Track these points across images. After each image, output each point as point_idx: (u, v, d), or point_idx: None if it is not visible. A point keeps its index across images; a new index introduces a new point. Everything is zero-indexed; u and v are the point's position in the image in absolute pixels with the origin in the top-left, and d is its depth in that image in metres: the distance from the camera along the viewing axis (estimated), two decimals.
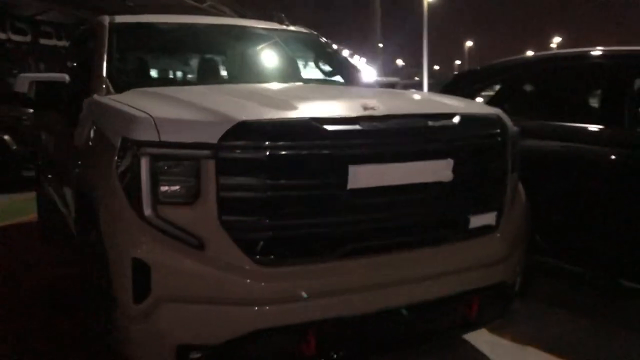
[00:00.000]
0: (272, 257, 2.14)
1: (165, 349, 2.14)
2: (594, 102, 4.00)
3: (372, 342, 2.34)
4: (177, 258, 2.10)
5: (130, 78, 3.38)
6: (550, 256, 3.72)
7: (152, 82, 3.57)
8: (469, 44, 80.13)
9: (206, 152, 2.07)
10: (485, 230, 2.54)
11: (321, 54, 4.17)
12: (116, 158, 2.23)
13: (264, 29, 4.02)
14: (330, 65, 4.07)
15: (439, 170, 2.35)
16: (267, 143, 2.09)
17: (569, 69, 4.01)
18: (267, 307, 2.12)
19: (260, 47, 3.93)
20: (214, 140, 2.07)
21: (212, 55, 4.07)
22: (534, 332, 3.42)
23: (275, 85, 3.30)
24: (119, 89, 3.02)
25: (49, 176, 4.70)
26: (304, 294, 2.14)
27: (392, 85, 3.79)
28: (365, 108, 2.31)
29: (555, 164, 3.68)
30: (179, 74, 4.07)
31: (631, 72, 3.58)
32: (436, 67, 79.46)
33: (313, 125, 2.17)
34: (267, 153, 2.08)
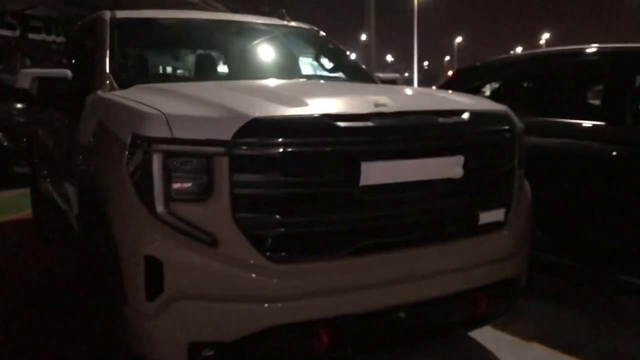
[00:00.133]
0: (284, 254, 2.13)
1: (177, 347, 2.13)
2: (596, 99, 4.02)
3: (383, 338, 2.34)
4: (189, 255, 2.08)
5: (133, 74, 3.36)
6: (551, 252, 3.75)
7: (155, 78, 3.55)
8: (459, 39, 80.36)
9: (219, 149, 2.06)
10: (494, 226, 2.55)
11: (322, 50, 4.16)
12: (126, 155, 2.21)
13: (265, 24, 4.00)
14: (332, 61, 4.06)
15: (449, 167, 2.35)
16: (280, 140, 2.08)
17: (570, 65, 4.03)
18: (280, 304, 2.12)
19: (262, 43, 3.92)
20: (227, 137, 2.06)
21: (214, 52, 4.05)
22: (536, 327, 3.45)
23: (281, 82, 3.29)
24: (123, 85, 2.99)
25: (45, 172, 4.66)
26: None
27: (393, 81, 3.77)
28: (376, 105, 2.31)
29: (556, 160, 3.70)
30: (180, 70, 4.02)
31: (632, 70, 3.61)
32: (425, 63, 79.68)
33: (326, 122, 2.16)
34: (281, 150, 2.08)
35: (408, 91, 3.14)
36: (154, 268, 2.08)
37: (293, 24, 4.19)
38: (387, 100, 2.36)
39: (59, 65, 4.80)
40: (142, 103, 2.37)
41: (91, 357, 2.95)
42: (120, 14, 3.59)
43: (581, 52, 3.92)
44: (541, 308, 3.72)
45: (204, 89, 2.73)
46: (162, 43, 3.97)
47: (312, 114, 2.19)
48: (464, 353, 3.19)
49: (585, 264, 3.67)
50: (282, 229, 2.13)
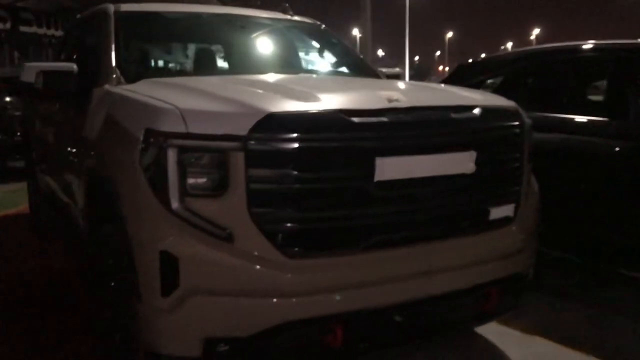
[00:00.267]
0: (299, 249, 2.13)
1: (192, 342, 2.12)
2: (600, 95, 4.05)
3: (396, 333, 2.36)
4: (205, 250, 2.08)
5: (139, 68, 3.33)
6: (554, 247, 3.77)
7: (161, 72, 3.53)
8: (449, 35, 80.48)
9: (235, 144, 2.05)
10: (504, 221, 2.56)
11: (326, 45, 4.15)
12: (139, 150, 2.20)
13: (270, 19, 3.99)
14: (336, 56, 4.06)
15: (462, 162, 2.36)
16: (296, 135, 2.08)
17: (572, 61, 4.05)
18: (295, 300, 2.12)
19: (267, 37, 3.90)
20: (243, 132, 2.05)
21: (219, 46, 4.03)
22: (540, 322, 3.47)
23: (292, 77, 3.28)
24: (130, 80, 2.97)
25: (45, 166, 4.62)
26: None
27: (397, 77, 3.77)
28: (390, 100, 2.31)
29: (558, 156, 3.73)
30: (185, 64, 3.99)
31: (637, 65, 3.63)
32: (416, 58, 79.79)
33: (342, 118, 2.16)
34: (296, 145, 2.07)
35: (418, 86, 3.14)
36: (169, 263, 2.07)
37: (297, 18, 4.18)
38: (399, 95, 2.36)
39: (53, 58, 4.75)
40: (154, 97, 2.36)
41: (99, 355, 2.95)
42: (125, 7, 3.56)
43: (584, 48, 3.94)
44: (543, 302, 3.75)
45: (215, 83, 2.72)
46: (167, 37, 3.94)
47: (328, 110, 2.19)
48: (470, 347, 3.20)
49: (587, 259, 3.70)
50: (297, 224, 2.13)
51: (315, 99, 2.26)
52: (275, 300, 2.10)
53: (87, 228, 3.02)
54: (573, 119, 3.78)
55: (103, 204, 2.64)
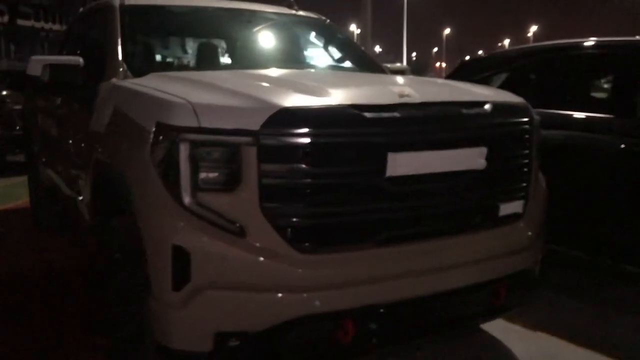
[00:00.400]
0: (311, 244, 2.13)
1: (203, 337, 2.11)
2: (606, 92, 4.05)
3: (407, 328, 2.36)
4: (217, 245, 2.07)
5: (145, 62, 3.32)
6: (559, 244, 3.78)
7: (167, 67, 3.51)
8: (447, 31, 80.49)
9: (247, 138, 2.05)
10: (513, 218, 2.57)
11: (332, 40, 4.14)
12: (151, 144, 2.19)
13: (276, 13, 3.98)
14: (342, 52, 4.05)
15: (473, 158, 2.36)
16: (308, 130, 2.07)
17: (578, 58, 4.05)
18: (306, 295, 2.11)
19: (273, 32, 3.89)
20: (255, 126, 2.05)
21: (225, 40, 4.01)
22: (544, 318, 3.49)
23: (301, 71, 3.28)
24: (137, 74, 2.97)
25: (47, 160, 4.60)
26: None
27: (402, 72, 3.76)
28: (401, 95, 2.31)
29: (563, 153, 3.73)
30: (190, 58, 3.97)
31: None
32: (414, 54, 79.78)
33: (354, 113, 2.16)
34: (309, 140, 2.07)
35: (428, 82, 3.14)
36: (181, 258, 2.07)
37: (302, 13, 4.17)
38: (410, 90, 2.36)
39: (51, 52, 4.72)
40: (164, 92, 2.35)
41: (100, 353, 2.95)
42: (129, 0, 3.54)
43: (590, 45, 3.94)
44: (547, 298, 3.76)
45: (224, 78, 2.71)
46: (172, 31, 3.93)
47: (340, 105, 2.19)
48: (475, 343, 3.22)
49: (591, 256, 3.71)
50: (309, 219, 2.12)
51: (326, 94, 2.26)
52: (286, 295, 2.10)
53: (93, 222, 3.01)
54: (578, 115, 3.79)
55: (111, 197, 2.63)
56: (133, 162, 2.34)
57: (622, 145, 3.51)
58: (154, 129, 2.19)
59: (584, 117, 3.77)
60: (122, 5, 3.44)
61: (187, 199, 2.08)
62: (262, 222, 2.08)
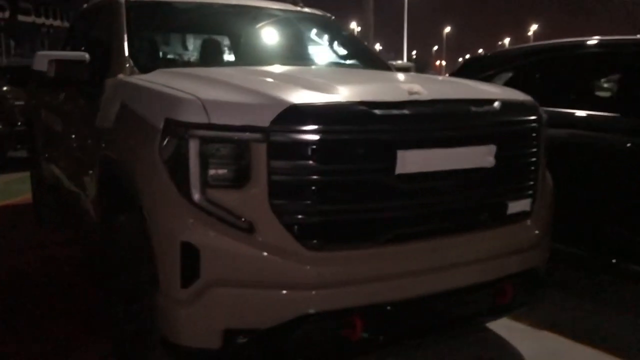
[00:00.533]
0: (320, 241, 2.12)
1: (211, 334, 2.11)
2: (605, 91, 4.05)
3: (415, 326, 2.36)
4: (226, 241, 2.07)
5: (152, 58, 3.31)
6: (565, 243, 3.77)
7: (174, 63, 3.50)
8: (447, 30, 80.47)
9: (257, 135, 2.04)
10: (521, 216, 2.56)
11: (337, 37, 4.14)
12: (159, 140, 2.18)
13: (282, 10, 3.97)
14: (347, 49, 4.04)
15: (482, 156, 2.36)
16: (318, 127, 2.06)
17: (583, 57, 4.04)
18: (315, 292, 2.11)
19: (279, 28, 3.88)
20: (265, 123, 2.04)
21: (230, 36, 4.00)
22: (550, 317, 3.49)
23: (309, 68, 3.27)
24: (143, 70, 2.96)
25: (50, 156, 4.59)
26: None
27: (407, 70, 3.76)
28: (410, 92, 2.30)
29: (568, 152, 3.72)
30: (195, 54, 3.96)
31: None
32: (414, 52, 79.77)
33: (363, 110, 2.15)
34: (318, 137, 2.06)
35: (436, 79, 3.14)
36: (190, 254, 2.06)
37: (307, 10, 4.16)
38: (419, 88, 2.35)
39: (52, 48, 4.70)
40: (173, 88, 2.34)
41: (102, 350, 2.94)
42: None
43: (597, 44, 3.93)
44: (553, 297, 3.76)
45: (232, 74, 2.70)
46: (178, 27, 3.92)
47: (350, 101, 2.18)
48: (480, 342, 3.22)
49: (598, 255, 3.70)
50: (318, 217, 2.12)
51: (336, 90, 2.25)
52: (294, 292, 2.10)
53: (99, 218, 3.00)
54: (583, 114, 3.78)
55: (117, 194, 2.62)
56: (141, 159, 2.33)
57: (628, 144, 3.50)
58: (162, 125, 2.19)
59: (589, 115, 3.76)
60: (127, 1, 3.43)
61: (196, 196, 2.07)
62: (271, 219, 2.08)
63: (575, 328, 3.36)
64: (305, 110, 2.10)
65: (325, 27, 4.22)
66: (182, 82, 2.44)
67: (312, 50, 4.02)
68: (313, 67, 3.45)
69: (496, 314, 2.71)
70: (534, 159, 2.60)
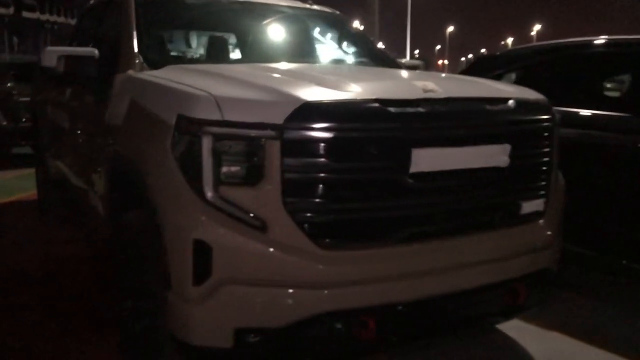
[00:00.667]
0: (333, 240, 2.10)
1: (223, 332, 2.09)
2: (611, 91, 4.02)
3: (427, 326, 2.34)
4: (238, 239, 2.04)
5: (161, 54, 3.29)
6: (576, 244, 3.75)
7: (183, 59, 3.48)
8: (450, 29, 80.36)
9: (271, 132, 2.02)
10: (534, 216, 2.54)
11: (346, 34, 4.11)
12: (171, 137, 2.16)
13: (290, 7, 3.94)
14: (357, 46, 4.01)
15: (497, 155, 2.33)
16: (332, 124, 2.04)
17: (593, 56, 4.01)
18: (328, 291, 2.09)
19: (289, 25, 3.85)
20: (279, 120, 2.02)
21: (240, 33, 3.97)
22: (560, 318, 3.47)
23: (322, 66, 3.25)
24: (152, 66, 2.93)
25: (57, 152, 4.57)
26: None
27: (415, 68, 3.74)
28: (425, 90, 2.27)
29: (578, 152, 3.69)
30: (202, 51, 3.93)
31: None
32: (416, 52, 79.70)
33: (378, 107, 2.13)
34: (333, 134, 2.04)
35: (450, 77, 3.11)
36: (203, 252, 2.04)
37: (316, 7, 4.14)
38: (434, 85, 2.32)
39: (55, 44, 4.68)
40: (185, 84, 2.32)
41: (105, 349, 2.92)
42: None
43: (606, 43, 3.90)
44: (563, 298, 3.74)
45: (244, 71, 2.67)
46: (187, 23, 3.89)
47: (365, 99, 2.15)
48: (490, 343, 3.20)
49: (608, 256, 3.68)
50: (332, 215, 2.09)
51: (350, 88, 2.22)
52: (308, 291, 2.07)
53: (108, 215, 2.98)
54: (593, 114, 3.75)
55: (127, 191, 2.60)
56: (152, 155, 2.31)
57: (639, 145, 3.47)
58: (174, 122, 2.16)
59: (600, 115, 3.73)
60: None
61: (209, 193, 2.05)
62: (284, 217, 2.05)
63: (585, 329, 3.34)
64: (320, 107, 2.08)
65: (334, 24, 4.20)
66: (194, 78, 2.42)
67: (322, 47, 4.00)
68: (324, 64, 3.42)
69: (509, 314, 2.69)
70: (547, 159, 2.58)
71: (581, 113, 3.77)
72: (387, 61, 3.77)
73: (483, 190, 2.37)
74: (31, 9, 15.59)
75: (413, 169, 2.15)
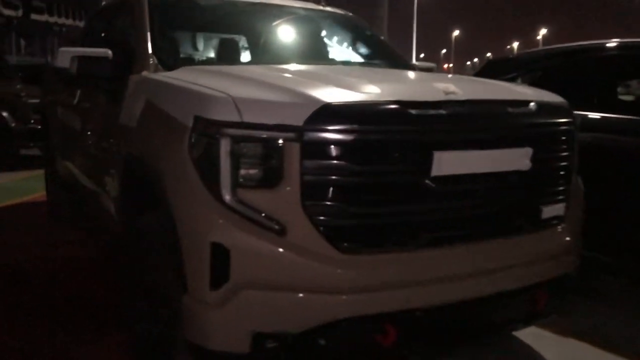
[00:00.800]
0: (353, 244, 2.06)
1: (240, 337, 2.05)
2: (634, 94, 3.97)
3: (449, 332, 2.29)
4: (257, 243, 2.01)
5: (175, 55, 3.27)
6: (594, 250, 3.70)
7: (197, 60, 3.45)
8: (456, 33, 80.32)
9: (290, 134, 1.98)
10: (555, 220, 2.50)
11: (360, 36, 4.08)
12: (188, 139, 2.13)
13: (304, 9, 3.92)
14: (371, 48, 3.98)
15: (518, 159, 2.30)
16: (353, 126, 2.01)
17: (606, 59, 3.97)
18: (347, 297, 2.04)
19: (303, 27, 3.83)
20: (298, 122, 1.98)
21: (254, 34, 3.94)
22: (576, 324, 3.41)
23: (339, 67, 3.21)
24: (167, 67, 2.91)
25: (67, 153, 4.55)
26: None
27: (430, 70, 3.73)
28: (446, 92, 2.24)
29: (592, 156, 3.65)
30: (219, 52, 3.91)
31: None
32: (422, 56, 79.68)
33: (399, 109, 2.09)
34: (353, 137, 2.00)
35: (470, 79, 3.07)
36: (220, 256, 2.00)
37: (329, 9, 4.11)
38: (455, 88, 2.28)
39: (63, 46, 4.66)
40: (202, 85, 2.29)
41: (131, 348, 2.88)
42: None
43: (618, 46, 3.86)
44: (580, 304, 3.69)
45: (261, 72, 2.64)
46: (201, 24, 3.87)
47: (385, 101, 2.12)
48: (507, 349, 3.15)
49: (626, 262, 3.63)
50: (351, 219, 2.05)
51: (370, 89, 2.19)
52: (327, 296, 2.03)
53: (121, 217, 2.95)
54: (607, 117, 3.70)
55: (141, 193, 2.57)
56: (169, 157, 2.28)
57: None
58: (192, 124, 2.13)
59: (614, 118, 3.68)
60: None
61: (227, 196, 2.02)
62: (304, 221, 2.02)
63: (605, 337, 3.28)
64: (340, 109, 2.04)
65: (348, 26, 4.17)
66: (210, 79, 2.39)
67: (337, 49, 3.97)
68: (341, 66, 3.39)
69: (530, 320, 2.64)
70: (568, 163, 2.54)
71: (595, 116, 3.73)
72: (402, 63, 3.74)
73: (505, 194, 2.33)
74: (40, 11, 15.63)
75: (434, 172, 2.11)
